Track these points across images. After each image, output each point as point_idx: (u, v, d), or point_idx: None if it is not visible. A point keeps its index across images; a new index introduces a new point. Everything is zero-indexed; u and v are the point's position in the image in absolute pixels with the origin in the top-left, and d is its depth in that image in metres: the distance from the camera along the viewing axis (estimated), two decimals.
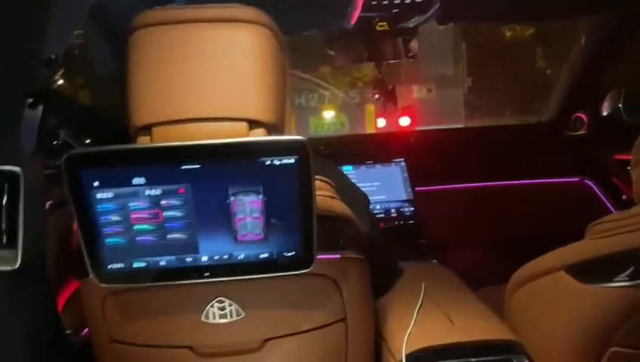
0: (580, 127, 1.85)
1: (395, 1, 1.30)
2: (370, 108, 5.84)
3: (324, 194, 0.83)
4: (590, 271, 0.82)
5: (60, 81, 0.88)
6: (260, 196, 0.70)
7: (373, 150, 1.93)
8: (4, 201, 0.78)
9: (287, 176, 0.69)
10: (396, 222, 1.74)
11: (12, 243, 0.78)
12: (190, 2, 1.16)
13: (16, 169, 0.77)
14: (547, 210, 1.78)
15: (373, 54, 1.72)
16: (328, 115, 5.75)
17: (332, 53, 1.68)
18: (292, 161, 0.68)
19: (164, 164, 0.67)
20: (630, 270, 0.78)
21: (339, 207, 0.85)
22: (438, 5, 1.33)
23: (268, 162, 0.68)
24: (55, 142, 1.09)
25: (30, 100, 0.80)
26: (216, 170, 0.69)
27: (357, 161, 1.88)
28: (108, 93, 1.33)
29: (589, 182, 1.85)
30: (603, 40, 1.58)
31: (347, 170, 1.86)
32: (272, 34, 0.77)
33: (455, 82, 9.47)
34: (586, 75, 1.71)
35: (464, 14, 1.55)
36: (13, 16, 0.77)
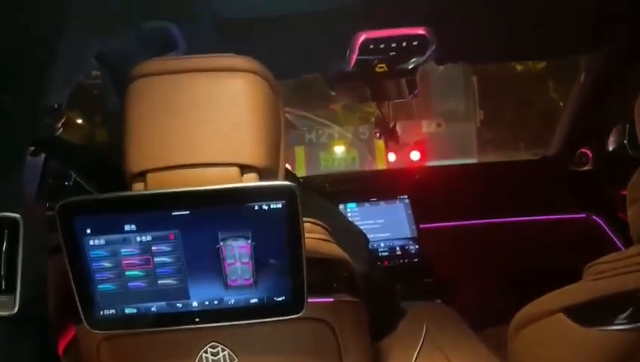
0: (586, 162, 1.84)
1: (392, 45, 1.33)
2: (380, 143, 5.88)
3: (316, 237, 0.83)
4: (588, 313, 0.80)
5: (62, 128, 0.90)
6: (249, 241, 0.71)
7: (377, 187, 1.94)
8: (3, 248, 0.79)
9: (276, 220, 0.70)
10: (400, 261, 1.72)
11: (11, 289, 0.79)
12: (188, 52, 1.22)
13: (16, 216, 0.79)
14: (554, 247, 1.76)
15: (376, 94, 1.75)
16: (339, 150, 5.81)
17: (334, 93, 1.72)
18: (280, 205, 0.69)
19: (155, 210, 0.69)
20: (628, 312, 0.76)
21: (332, 249, 0.85)
22: (434, 47, 1.36)
23: (256, 207, 0.69)
24: (66, 183, 1.12)
25: (32, 148, 0.83)
26: (205, 216, 0.70)
27: (361, 198, 1.88)
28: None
29: (596, 218, 1.82)
30: (600, 76, 1.60)
31: (351, 207, 1.87)
32: (264, 81, 0.79)
33: (467, 115, 9.52)
34: (587, 111, 1.71)
35: (460, 55, 1.58)
36: (15, 64, 0.80)
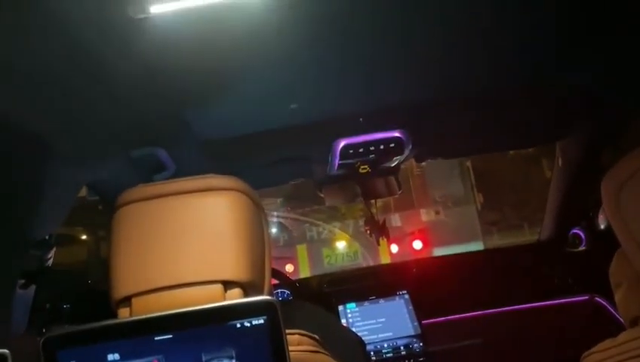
0: (579, 243, 1.84)
1: (371, 148, 1.40)
2: None
3: (304, 349, 0.82)
4: None
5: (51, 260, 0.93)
6: (233, 361, 0.70)
7: (376, 284, 1.92)
8: None
9: (259, 337, 0.70)
10: (406, 361, 1.66)
11: None
12: (178, 172, 1.28)
13: (5, 351, 0.79)
14: (561, 332, 1.70)
15: (365, 192, 1.79)
16: (341, 245, 5.80)
17: (322, 195, 1.76)
18: (262, 321, 0.70)
19: (137, 337, 0.69)
20: None
21: (322, 360, 0.84)
22: (411, 146, 1.43)
23: (238, 325, 0.69)
24: (65, 306, 1.12)
25: (22, 281, 0.85)
26: (188, 338, 0.70)
27: (360, 297, 1.86)
28: None
29: (600, 299, 1.78)
30: (574, 161, 1.65)
31: (351, 307, 1.84)
32: (245, 197, 0.82)
33: (467, 200, 9.60)
34: (570, 193, 1.75)
35: (437, 152, 1.65)
36: (2, 200, 0.83)
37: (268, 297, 0.70)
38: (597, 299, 1.79)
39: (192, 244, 0.77)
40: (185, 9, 0.75)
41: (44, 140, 0.82)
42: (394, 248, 5.63)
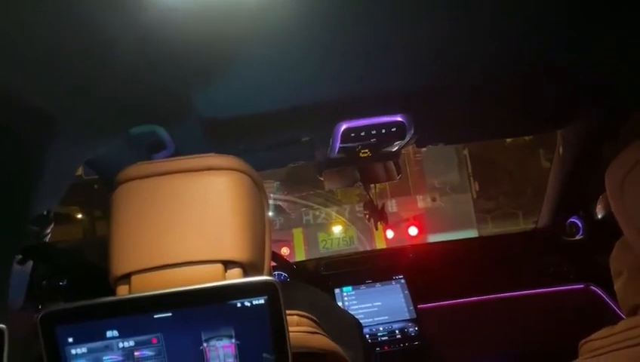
0: (576, 232, 1.85)
1: (372, 132, 1.38)
2: None
3: (303, 330, 0.82)
4: None
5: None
6: (233, 340, 0.70)
7: (372, 268, 1.93)
8: None
9: (259, 317, 0.70)
10: (401, 344, 1.68)
11: None
12: (177, 151, 1.27)
13: (2, 326, 0.79)
14: (556, 320, 1.72)
15: (365, 177, 1.79)
16: (337, 229, 5.81)
17: (322, 179, 1.76)
18: (262, 301, 0.69)
19: (137, 314, 0.69)
20: None
21: (321, 341, 0.84)
22: (413, 131, 1.42)
23: (239, 304, 0.69)
24: (61, 283, 1.12)
25: (20, 257, 0.85)
26: (187, 317, 0.69)
27: (357, 280, 1.87)
28: None
29: (595, 288, 1.80)
30: (575, 150, 1.65)
31: (347, 291, 1.85)
32: (246, 177, 0.81)
33: (463, 188, 9.63)
34: (570, 182, 1.75)
35: (439, 137, 1.64)
36: (2, 174, 0.82)
37: (269, 277, 0.70)
38: (592, 287, 1.81)
39: (193, 223, 0.77)
40: None
41: (47, 116, 0.81)
42: (389, 234, 5.66)
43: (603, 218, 1.72)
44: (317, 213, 6.10)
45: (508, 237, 2.29)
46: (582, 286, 1.83)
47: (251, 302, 0.69)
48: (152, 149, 1.22)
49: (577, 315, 1.70)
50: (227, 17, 0.85)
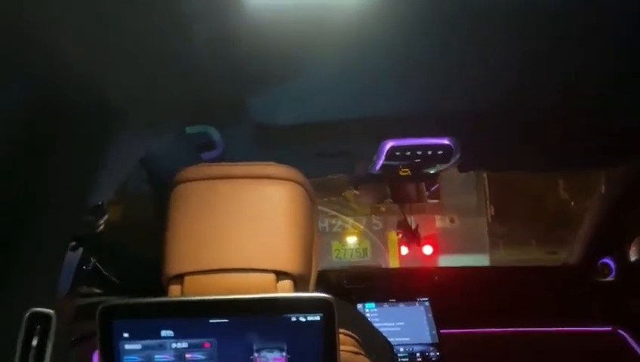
0: (608, 273, 1.82)
1: (418, 152, 1.38)
2: (392, 235, 5.83)
3: (348, 350, 0.81)
4: None
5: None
6: (284, 353, 0.70)
7: (396, 287, 1.91)
8: (34, 342, 0.79)
9: (312, 333, 0.69)
10: None
11: None
12: (225, 153, 1.27)
13: (51, 312, 0.80)
14: (581, 361, 1.69)
15: (396, 195, 1.78)
16: (351, 240, 5.78)
17: (357, 193, 1.75)
18: (317, 318, 0.69)
19: (194, 317, 0.69)
20: None
21: None
22: (459, 155, 1.41)
23: (294, 319, 0.69)
24: (84, 267, 1.13)
25: (72, 244, 0.85)
26: (242, 325, 0.69)
27: (380, 298, 1.85)
28: (135, 209, 1.39)
29: (622, 332, 1.76)
30: (623, 188, 1.62)
31: (370, 307, 1.83)
32: (303, 189, 0.82)
33: (478, 211, 9.52)
34: (609, 222, 1.72)
35: (483, 164, 1.63)
36: (63, 164, 0.83)
37: (326, 295, 0.70)
38: (620, 331, 1.77)
39: (248, 230, 0.77)
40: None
41: (116, 108, 0.81)
42: (404, 250, 5.61)
43: (637, 260, 1.69)
44: (333, 221, 6.07)
45: (536, 270, 2.26)
46: (609, 328, 1.79)
47: (306, 318, 0.69)
48: (200, 148, 1.23)
49: (603, 358, 1.67)
50: (300, 34, 0.86)
